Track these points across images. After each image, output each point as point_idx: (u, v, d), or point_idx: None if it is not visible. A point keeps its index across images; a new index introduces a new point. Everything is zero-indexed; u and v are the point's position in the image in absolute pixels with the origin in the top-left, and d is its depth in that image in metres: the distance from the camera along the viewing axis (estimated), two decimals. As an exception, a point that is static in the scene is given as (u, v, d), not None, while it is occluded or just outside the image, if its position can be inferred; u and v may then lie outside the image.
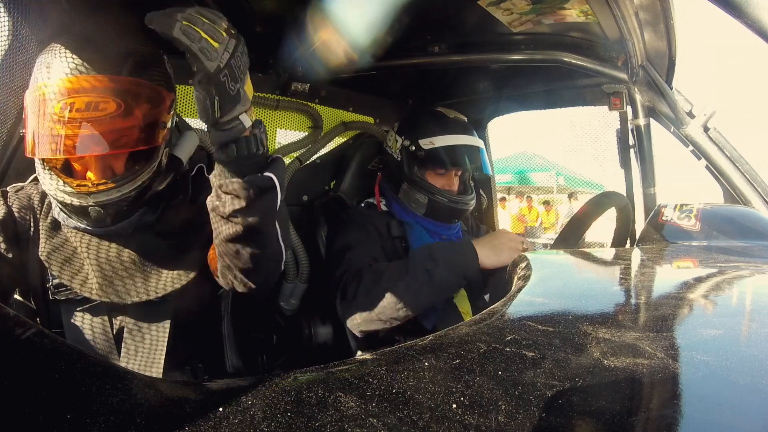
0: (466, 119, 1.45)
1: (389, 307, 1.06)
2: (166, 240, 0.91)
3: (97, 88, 0.74)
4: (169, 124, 0.86)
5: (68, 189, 0.78)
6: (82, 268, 0.86)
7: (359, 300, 1.10)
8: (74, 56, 0.75)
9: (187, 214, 0.93)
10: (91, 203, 0.78)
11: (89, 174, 0.80)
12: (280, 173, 0.76)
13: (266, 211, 0.75)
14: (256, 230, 0.74)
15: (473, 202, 1.41)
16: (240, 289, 0.85)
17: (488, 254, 1.10)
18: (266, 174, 0.74)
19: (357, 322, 1.12)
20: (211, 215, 0.77)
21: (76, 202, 0.78)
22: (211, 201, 0.75)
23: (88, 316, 0.87)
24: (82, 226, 0.84)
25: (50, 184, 0.79)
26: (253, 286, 0.83)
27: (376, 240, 1.31)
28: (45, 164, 0.80)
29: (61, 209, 0.83)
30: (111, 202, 0.79)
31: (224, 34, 0.68)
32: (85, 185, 0.78)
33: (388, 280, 1.09)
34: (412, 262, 1.10)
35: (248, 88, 0.73)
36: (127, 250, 0.87)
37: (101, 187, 0.78)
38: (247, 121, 0.72)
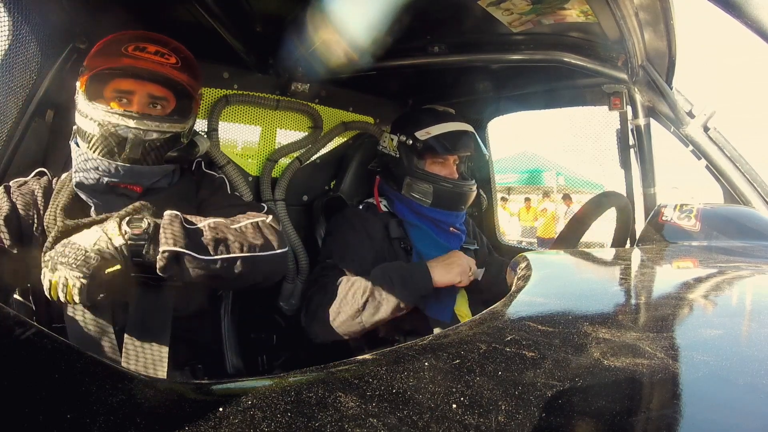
0: (454, 111, 1.49)
1: (347, 322, 1.12)
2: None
3: (164, 42, 0.95)
4: (196, 113, 1.04)
5: (115, 111, 0.90)
6: None
7: (319, 313, 1.14)
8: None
9: (190, 195, 1.03)
10: (132, 125, 0.90)
11: (131, 105, 0.94)
12: (169, 234, 0.83)
13: (187, 268, 0.84)
14: (200, 277, 0.86)
15: (475, 188, 1.44)
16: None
17: (441, 272, 1.16)
18: (162, 250, 0.82)
19: (316, 333, 1.17)
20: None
21: (119, 121, 0.89)
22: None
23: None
24: (111, 165, 0.90)
25: (97, 110, 0.89)
26: (247, 279, 0.94)
27: (368, 244, 1.30)
28: (91, 103, 0.91)
29: (91, 146, 0.90)
30: (149, 130, 0.92)
31: (52, 262, 0.77)
32: (130, 110, 0.92)
33: (347, 295, 1.13)
34: (371, 281, 1.13)
35: (91, 241, 0.79)
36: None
37: (146, 113, 0.93)
38: (118, 241, 0.81)
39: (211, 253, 0.85)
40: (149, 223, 0.83)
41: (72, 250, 0.77)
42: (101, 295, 0.79)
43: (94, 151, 0.90)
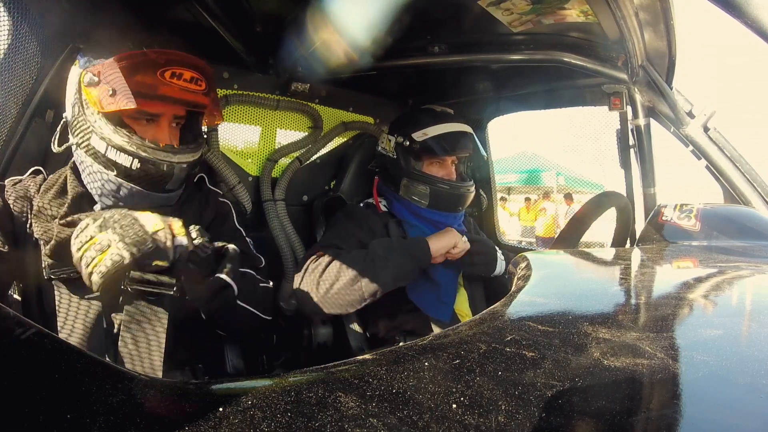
0: (452, 112, 1.48)
1: (345, 288, 1.11)
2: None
3: (197, 67, 0.92)
4: None
5: (151, 146, 0.87)
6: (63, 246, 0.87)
7: (317, 278, 1.14)
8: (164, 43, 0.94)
9: (196, 215, 1.02)
10: (175, 160, 0.88)
11: (162, 137, 0.91)
12: (232, 266, 0.90)
13: (225, 302, 0.90)
14: (220, 314, 0.93)
15: (473, 189, 1.43)
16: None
17: (435, 240, 1.20)
18: (218, 276, 0.87)
19: (311, 303, 1.15)
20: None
21: (163, 158, 0.87)
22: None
23: (82, 302, 0.88)
24: (143, 193, 0.89)
25: (137, 142, 0.86)
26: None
27: (367, 235, 1.30)
28: (117, 130, 0.86)
29: (125, 177, 0.87)
30: (188, 163, 0.91)
31: (101, 236, 0.73)
32: (170, 145, 0.90)
33: (346, 261, 1.13)
34: (372, 250, 1.15)
35: (153, 225, 0.77)
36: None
37: (183, 148, 0.91)
38: (183, 241, 0.80)
39: (240, 301, 0.92)
40: (219, 246, 0.89)
41: (131, 223, 0.73)
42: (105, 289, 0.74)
43: (129, 181, 0.87)
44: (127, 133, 0.86)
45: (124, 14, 1.06)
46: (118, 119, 0.87)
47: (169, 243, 0.76)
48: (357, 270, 1.10)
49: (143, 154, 0.85)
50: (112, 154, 0.85)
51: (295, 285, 1.20)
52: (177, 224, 0.79)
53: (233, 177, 1.46)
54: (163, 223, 0.77)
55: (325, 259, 1.17)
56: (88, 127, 0.87)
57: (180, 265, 0.80)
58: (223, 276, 0.87)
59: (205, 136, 1.36)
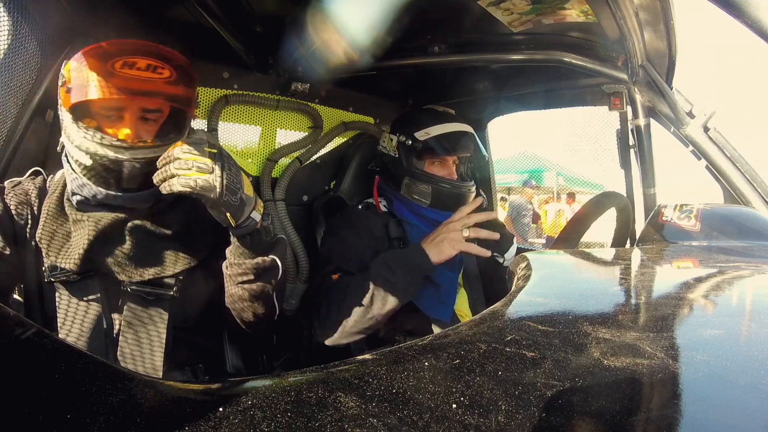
0: (454, 112, 1.48)
1: (359, 320, 1.10)
2: (171, 229, 0.93)
3: (158, 54, 0.85)
4: (191, 117, 0.95)
5: (106, 142, 0.82)
6: (71, 246, 0.87)
7: (332, 317, 1.12)
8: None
9: (192, 210, 0.97)
10: (127, 157, 0.83)
11: (125, 132, 0.86)
12: (282, 252, 0.94)
13: (268, 283, 0.92)
14: (258, 295, 0.92)
15: (474, 189, 1.43)
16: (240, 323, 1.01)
17: (434, 252, 1.13)
18: (272, 257, 0.90)
19: (335, 338, 1.14)
20: (225, 277, 0.92)
21: (112, 154, 0.82)
22: (226, 268, 0.91)
23: (82, 303, 0.87)
24: (106, 193, 0.85)
25: (87, 139, 0.82)
26: (245, 327, 1.01)
27: (368, 242, 1.30)
28: (79, 125, 0.84)
29: (85, 174, 0.85)
30: (145, 161, 0.84)
31: (209, 161, 0.79)
32: (124, 140, 0.84)
33: (353, 294, 1.11)
34: (373, 274, 1.11)
35: (247, 188, 0.86)
36: (121, 233, 0.89)
37: (140, 144, 0.85)
38: (257, 216, 0.86)
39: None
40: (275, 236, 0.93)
41: (237, 171, 0.82)
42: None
43: (89, 179, 0.85)
44: (85, 129, 0.83)
45: (124, 14, 1.06)
46: (83, 116, 0.86)
47: (248, 205, 0.84)
48: (366, 302, 1.09)
49: (92, 149, 0.82)
50: (73, 151, 0.84)
51: (316, 326, 1.18)
52: (260, 203, 0.88)
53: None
54: (254, 193, 0.86)
55: (333, 293, 1.16)
56: (61, 125, 0.87)
57: (241, 232, 0.86)
58: (276, 257, 0.91)
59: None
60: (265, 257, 0.89)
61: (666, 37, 1.08)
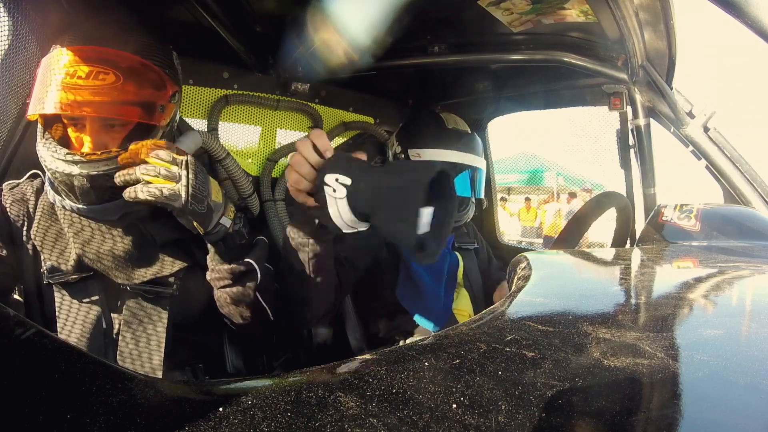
0: (467, 129, 1.37)
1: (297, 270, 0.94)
2: (158, 235, 0.91)
3: (100, 59, 0.79)
4: (171, 114, 0.90)
5: (59, 155, 0.79)
6: (66, 247, 0.87)
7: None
8: (87, 30, 0.85)
9: (175, 226, 0.92)
10: (76, 172, 0.79)
11: (88, 142, 0.82)
12: (260, 255, 0.92)
13: (246, 287, 0.90)
14: (239, 299, 0.91)
15: (465, 218, 1.36)
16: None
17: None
18: (248, 260, 0.89)
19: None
20: (209, 281, 0.92)
21: (63, 168, 0.79)
22: (208, 274, 0.91)
23: (83, 304, 0.87)
24: (74, 205, 0.85)
25: (46, 151, 0.81)
26: (241, 330, 1.00)
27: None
28: (45, 135, 0.83)
29: (51, 185, 0.85)
30: (97, 175, 0.79)
31: (176, 167, 0.77)
32: (74, 153, 0.80)
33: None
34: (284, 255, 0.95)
35: (215, 194, 0.83)
36: (112, 236, 0.88)
37: (92, 157, 0.79)
38: (227, 222, 0.86)
39: (258, 293, 0.92)
40: (254, 237, 0.92)
41: (204, 179, 0.80)
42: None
43: (53, 191, 0.85)
44: (45, 140, 0.82)
45: (124, 14, 1.06)
46: (51, 123, 0.85)
47: (216, 212, 0.82)
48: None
49: (47, 162, 0.80)
50: (41, 161, 0.83)
51: None
52: (231, 208, 0.87)
53: (249, 186, 1.45)
54: (223, 198, 0.84)
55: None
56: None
57: (212, 239, 0.85)
58: (251, 260, 0.89)
59: (201, 131, 1.35)
60: (240, 262, 0.88)
61: (666, 37, 1.08)
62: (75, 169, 0.79)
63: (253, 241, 0.94)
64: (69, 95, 0.77)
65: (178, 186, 0.75)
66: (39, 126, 0.84)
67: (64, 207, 0.87)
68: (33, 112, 0.80)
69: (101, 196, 0.83)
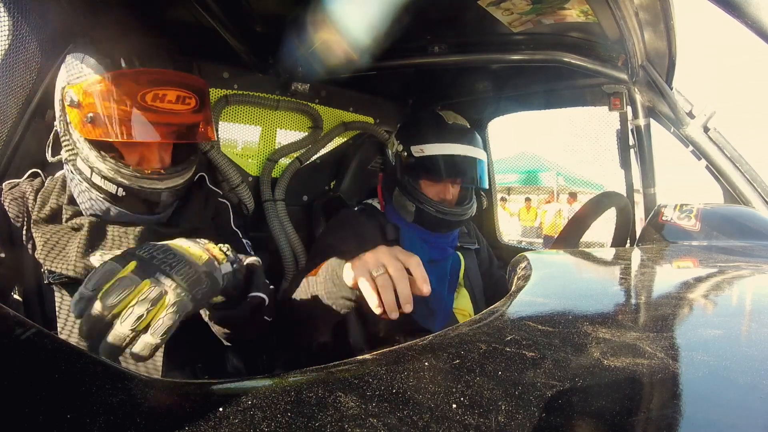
0: (467, 125, 1.38)
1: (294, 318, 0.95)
2: (177, 234, 0.92)
3: (183, 84, 0.82)
4: None
5: (139, 174, 0.82)
6: (68, 253, 0.86)
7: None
8: (140, 50, 0.83)
9: (197, 216, 0.98)
10: (161, 187, 0.84)
11: (154, 161, 0.86)
12: (261, 280, 0.83)
13: (254, 319, 0.82)
14: (244, 331, 0.86)
15: (470, 213, 1.35)
16: None
17: (347, 273, 0.80)
18: (255, 294, 0.80)
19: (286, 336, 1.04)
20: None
21: (149, 187, 0.82)
22: (212, 324, 0.82)
23: None
24: (141, 218, 0.87)
25: (117, 170, 0.81)
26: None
27: (354, 247, 1.20)
28: (106, 156, 0.82)
29: (109, 200, 0.84)
30: (176, 187, 0.86)
31: (146, 284, 0.54)
32: (157, 171, 0.84)
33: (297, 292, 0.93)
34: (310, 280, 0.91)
35: (197, 258, 0.62)
36: (135, 239, 0.89)
37: (172, 173, 0.85)
38: (227, 268, 0.69)
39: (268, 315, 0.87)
40: (248, 263, 0.80)
41: (179, 260, 0.58)
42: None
43: (117, 205, 0.84)
44: (112, 160, 0.81)
45: (124, 14, 1.06)
46: (102, 142, 0.82)
47: (218, 275, 0.64)
48: (300, 299, 0.91)
49: (127, 183, 0.81)
50: (97, 180, 0.82)
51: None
52: (215, 249, 0.68)
53: (236, 176, 1.45)
54: (204, 251, 0.64)
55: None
56: (73, 148, 0.84)
57: (228, 293, 0.71)
58: (261, 294, 0.82)
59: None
60: (249, 298, 0.79)
61: (666, 37, 1.08)
62: (160, 185, 0.83)
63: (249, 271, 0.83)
64: (160, 120, 0.80)
65: (174, 300, 0.56)
66: (84, 145, 0.81)
67: (96, 216, 0.87)
68: (123, 139, 0.78)
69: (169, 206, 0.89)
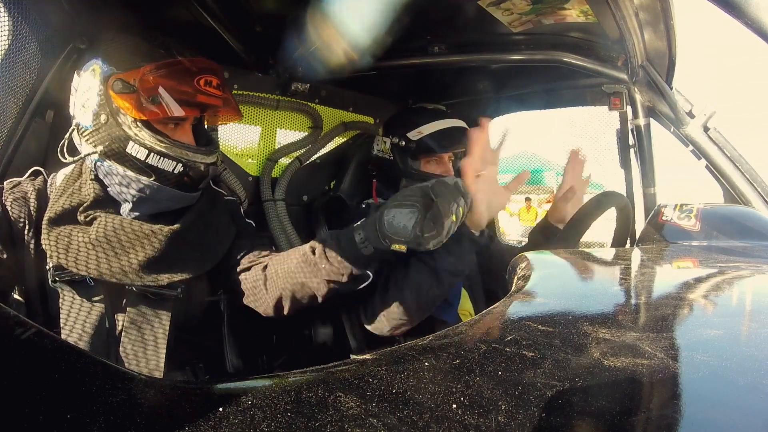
0: (445, 108, 1.48)
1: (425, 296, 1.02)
2: (188, 236, 0.94)
3: (217, 73, 0.95)
4: None
5: (190, 150, 0.91)
6: (80, 250, 0.87)
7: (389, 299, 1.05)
8: (175, 42, 0.96)
9: (209, 216, 1.01)
10: (209, 161, 0.94)
11: (187, 138, 0.94)
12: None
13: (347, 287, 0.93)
14: (327, 295, 0.92)
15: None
16: (273, 312, 0.98)
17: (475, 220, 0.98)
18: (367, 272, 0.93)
19: (384, 326, 1.08)
20: (304, 267, 0.91)
21: (200, 159, 0.92)
22: (313, 259, 0.90)
23: (86, 303, 0.87)
24: (187, 197, 0.94)
25: (174, 147, 0.89)
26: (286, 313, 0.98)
27: None
28: (164, 135, 0.89)
29: (160, 179, 0.89)
30: (215, 162, 0.96)
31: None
32: (201, 147, 0.94)
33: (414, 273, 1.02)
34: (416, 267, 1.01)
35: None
36: (146, 238, 0.90)
37: (213, 151, 0.96)
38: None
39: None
40: None
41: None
42: None
43: (167, 185, 0.91)
44: (166, 139, 0.89)
45: (124, 14, 1.06)
46: (148, 125, 0.88)
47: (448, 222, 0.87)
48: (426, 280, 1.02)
49: (184, 158, 0.90)
50: (154, 160, 0.87)
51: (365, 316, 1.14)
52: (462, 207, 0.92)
53: (240, 191, 1.44)
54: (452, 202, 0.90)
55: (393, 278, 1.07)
56: (122, 135, 0.87)
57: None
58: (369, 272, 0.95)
59: None
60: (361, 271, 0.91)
61: (666, 37, 1.08)
62: (208, 159, 0.94)
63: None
64: (212, 100, 0.92)
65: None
66: (142, 128, 0.87)
67: (149, 209, 0.93)
68: (181, 114, 0.89)
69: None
